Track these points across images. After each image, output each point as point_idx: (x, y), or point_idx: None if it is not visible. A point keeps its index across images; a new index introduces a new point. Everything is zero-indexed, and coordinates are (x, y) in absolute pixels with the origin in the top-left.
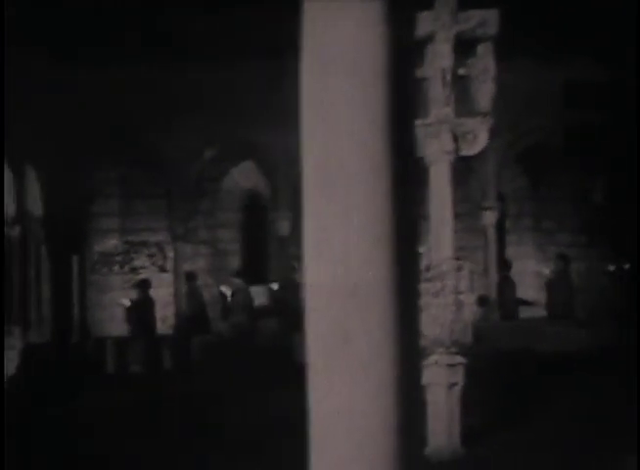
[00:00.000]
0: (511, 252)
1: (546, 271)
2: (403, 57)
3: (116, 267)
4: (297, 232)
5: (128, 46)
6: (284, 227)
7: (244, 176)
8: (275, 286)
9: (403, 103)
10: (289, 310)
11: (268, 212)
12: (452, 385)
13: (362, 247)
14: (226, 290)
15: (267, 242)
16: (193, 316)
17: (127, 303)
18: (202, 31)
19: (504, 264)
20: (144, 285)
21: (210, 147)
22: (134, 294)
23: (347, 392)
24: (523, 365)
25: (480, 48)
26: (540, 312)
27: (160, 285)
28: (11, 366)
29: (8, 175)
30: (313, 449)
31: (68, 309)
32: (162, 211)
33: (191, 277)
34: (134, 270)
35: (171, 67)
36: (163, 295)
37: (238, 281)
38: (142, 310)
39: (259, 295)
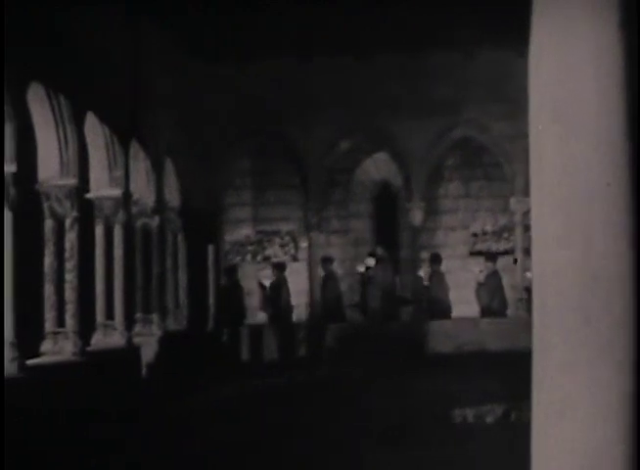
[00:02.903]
0: None
1: None
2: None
3: (249, 256)
4: (430, 222)
5: (265, 42)
6: (417, 217)
7: (376, 167)
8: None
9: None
10: (421, 300)
11: (399, 202)
12: None
13: (605, 237)
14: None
15: (398, 232)
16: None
17: (267, 283)
18: (338, 26)
19: None
20: (280, 268)
21: (346, 138)
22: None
23: (587, 370)
24: None
25: None
26: None
27: (292, 274)
28: (150, 353)
29: (147, 167)
30: (537, 422)
31: (203, 298)
32: (296, 201)
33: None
34: (266, 259)
35: (307, 60)
36: (295, 283)
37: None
38: (278, 293)
39: None
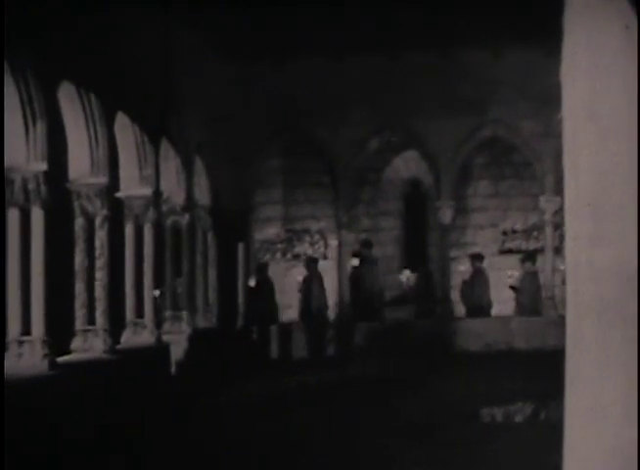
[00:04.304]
0: None
1: None
2: None
3: (279, 255)
4: (459, 220)
5: (295, 41)
6: (447, 215)
7: (405, 165)
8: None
9: None
10: (445, 298)
11: (428, 201)
12: None
13: (638, 237)
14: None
15: (428, 230)
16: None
17: (252, 283)
18: (367, 26)
19: None
20: (263, 268)
21: (375, 137)
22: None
23: (620, 370)
24: None
25: None
26: None
27: (322, 272)
28: (179, 351)
29: (177, 166)
30: (570, 421)
31: (233, 296)
32: (325, 200)
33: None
34: (296, 257)
35: (337, 59)
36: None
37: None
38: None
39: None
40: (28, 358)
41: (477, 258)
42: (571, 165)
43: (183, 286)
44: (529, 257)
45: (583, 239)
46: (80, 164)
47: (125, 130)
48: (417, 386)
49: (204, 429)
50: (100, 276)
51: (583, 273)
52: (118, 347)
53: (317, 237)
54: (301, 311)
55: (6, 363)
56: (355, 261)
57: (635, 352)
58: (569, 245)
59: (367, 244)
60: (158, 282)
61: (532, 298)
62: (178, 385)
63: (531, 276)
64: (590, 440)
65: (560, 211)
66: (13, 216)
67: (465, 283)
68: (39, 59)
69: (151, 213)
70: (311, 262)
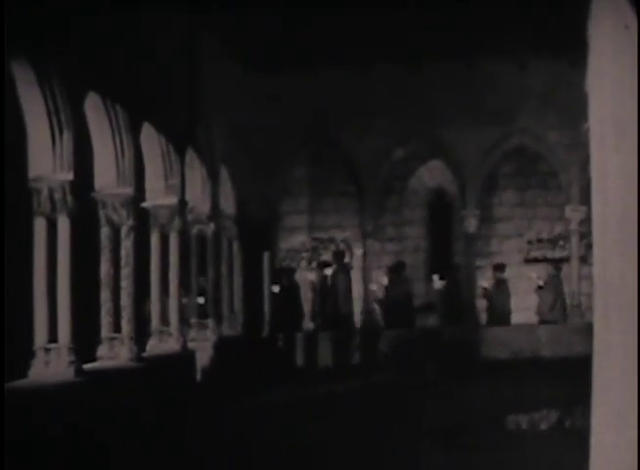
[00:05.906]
0: None
1: None
2: None
3: (304, 263)
4: (484, 230)
5: (318, 50)
6: (472, 225)
7: (430, 175)
8: (440, 282)
9: None
10: (462, 306)
11: (454, 210)
12: None
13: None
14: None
15: (453, 239)
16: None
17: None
18: (388, 33)
19: None
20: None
21: (401, 147)
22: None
23: None
24: None
25: None
26: None
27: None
28: (205, 358)
29: (203, 175)
30: (597, 426)
31: (258, 304)
32: (350, 209)
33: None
34: (321, 266)
35: (363, 69)
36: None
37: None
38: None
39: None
40: (55, 366)
41: (452, 268)
42: (598, 175)
43: (209, 291)
44: (499, 267)
45: (610, 248)
46: (106, 173)
47: (151, 140)
48: (443, 393)
49: (229, 436)
50: (125, 285)
51: (611, 281)
52: (144, 354)
53: (342, 246)
54: (273, 323)
55: (33, 370)
56: (328, 271)
57: None
58: (596, 254)
59: (339, 254)
60: (183, 290)
61: (502, 306)
62: (204, 392)
63: (501, 285)
64: (617, 447)
65: (585, 221)
66: (39, 226)
67: (442, 292)
68: (65, 69)
69: (176, 223)
70: (286, 273)
